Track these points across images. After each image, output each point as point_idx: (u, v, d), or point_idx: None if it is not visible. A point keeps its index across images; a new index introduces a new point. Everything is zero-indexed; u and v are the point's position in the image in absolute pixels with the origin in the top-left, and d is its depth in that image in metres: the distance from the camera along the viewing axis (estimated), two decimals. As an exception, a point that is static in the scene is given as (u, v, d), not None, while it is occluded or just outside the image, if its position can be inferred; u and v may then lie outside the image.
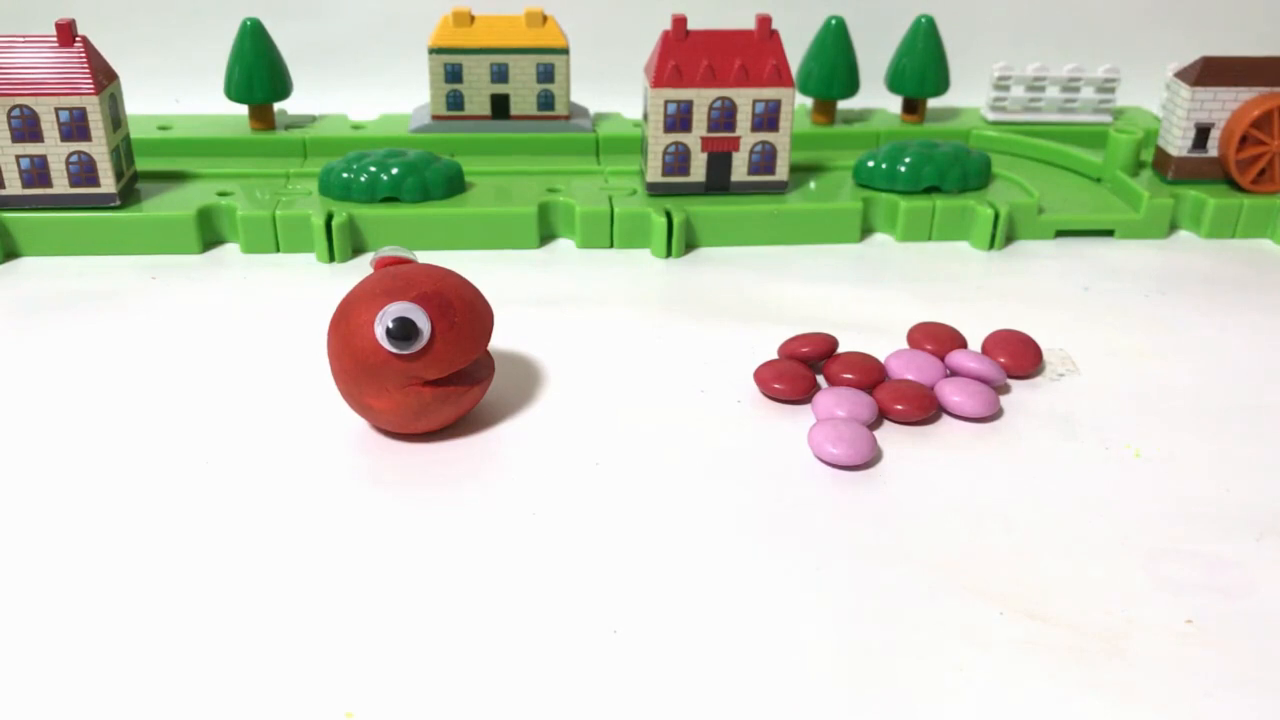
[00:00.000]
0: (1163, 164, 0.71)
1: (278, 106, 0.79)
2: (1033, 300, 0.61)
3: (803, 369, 0.51)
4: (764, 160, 0.68)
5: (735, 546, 0.41)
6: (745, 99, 0.66)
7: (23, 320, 0.57)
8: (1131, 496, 0.44)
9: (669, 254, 0.66)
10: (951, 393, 0.49)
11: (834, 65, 0.78)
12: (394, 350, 0.44)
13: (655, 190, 0.68)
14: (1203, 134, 0.69)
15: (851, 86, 0.79)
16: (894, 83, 0.80)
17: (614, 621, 0.37)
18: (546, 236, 0.68)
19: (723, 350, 0.55)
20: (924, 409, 0.48)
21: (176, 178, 0.70)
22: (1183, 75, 0.70)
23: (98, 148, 0.64)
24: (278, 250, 0.65)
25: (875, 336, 0.55)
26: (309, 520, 0.42)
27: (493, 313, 0.48)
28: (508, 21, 0.75)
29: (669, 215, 0.65)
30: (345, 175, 0.67)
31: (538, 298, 0.60)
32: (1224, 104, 0.69)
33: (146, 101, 0.81)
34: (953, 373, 0.52)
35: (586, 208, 0.66)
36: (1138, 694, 0.35)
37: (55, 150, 0.63)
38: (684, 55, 0.65)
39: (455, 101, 0.76)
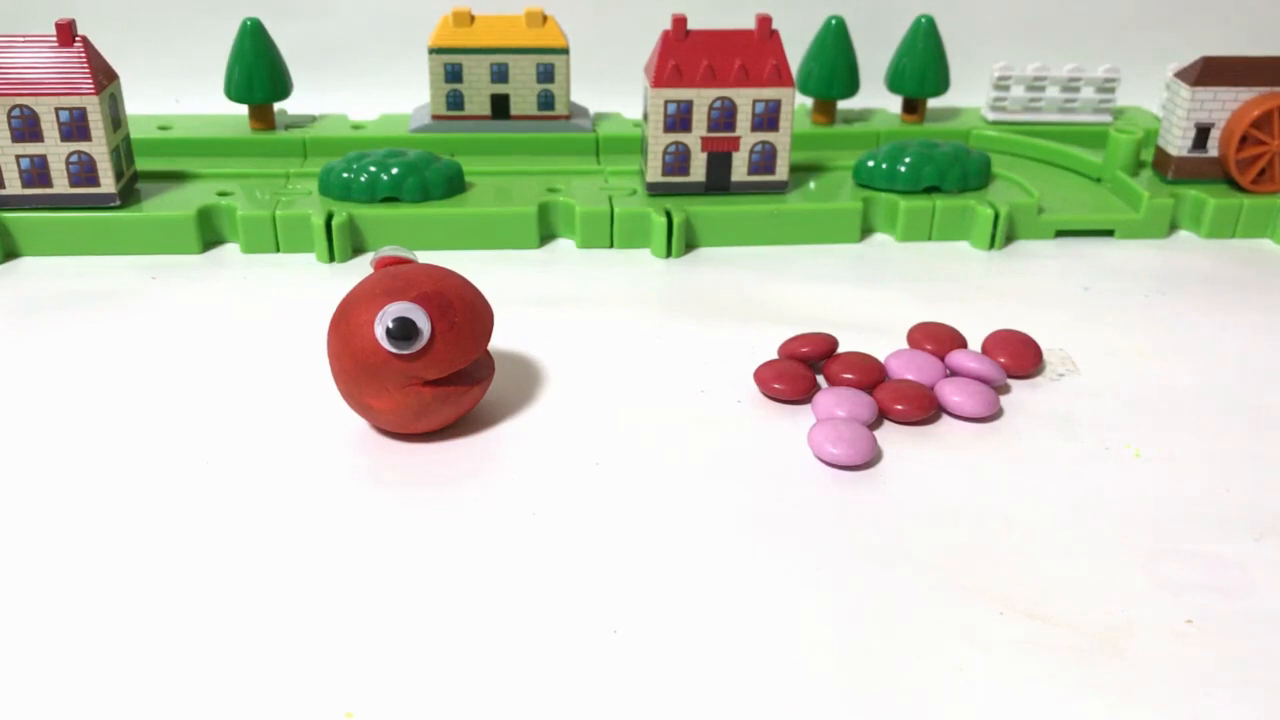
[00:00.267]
0: (1163, 164, 0.71)
1: (278, 106, 0.79)
2: (1033, 300, 0.61)
3: (803, 369, 0.51)
4: (764, 160, 0.68)
5: (735, 546, 0.41)
6: (745, 99, 0.66)
7: (23, 320, 0.57)
8: (1131, 496, 0.44)
9: (669, 254, 0.66)
10: (951, 393, 0.49)
11: (834, 65, 0.78)
12: (394, 350, 0.44)
13: (655, 190, 0.68)
14: (1203, 134, 0.69)
15: (851, 86, 0.79)
16: (894, 83, 0.80)
17: (614, 621, 0.37)
18: (546, 236, 0.68)
19: (723, 350, 0.55)
20: (924, 409, 0.48)
21: (176, 178, 0.70)
22: (1183, 75, 0.70)
23: (98, 148, 0.64)
24: (278, 250, 0.65)
25: (875, 336, 0.55)
26: (309, 520, 0.42)
27: (493, 313, 0.48)
28: (508, 21, 0.75)
29: (669, 215, 0.65)
30: (345, 175, 0.67)
31: (538, 298, 0.60)
32: (1224, 104, 0.69)
33: (146, 101, 0.81)
34: (953, 373, 0.52)
35: (586, 208, 0.66)
36: (1138, 694, 0.35)
37: (55, 150, 0.63)
38: (684, 55, 0.65)
39: (455, 101, 0.76)
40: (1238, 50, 0.71)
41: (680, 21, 0.65)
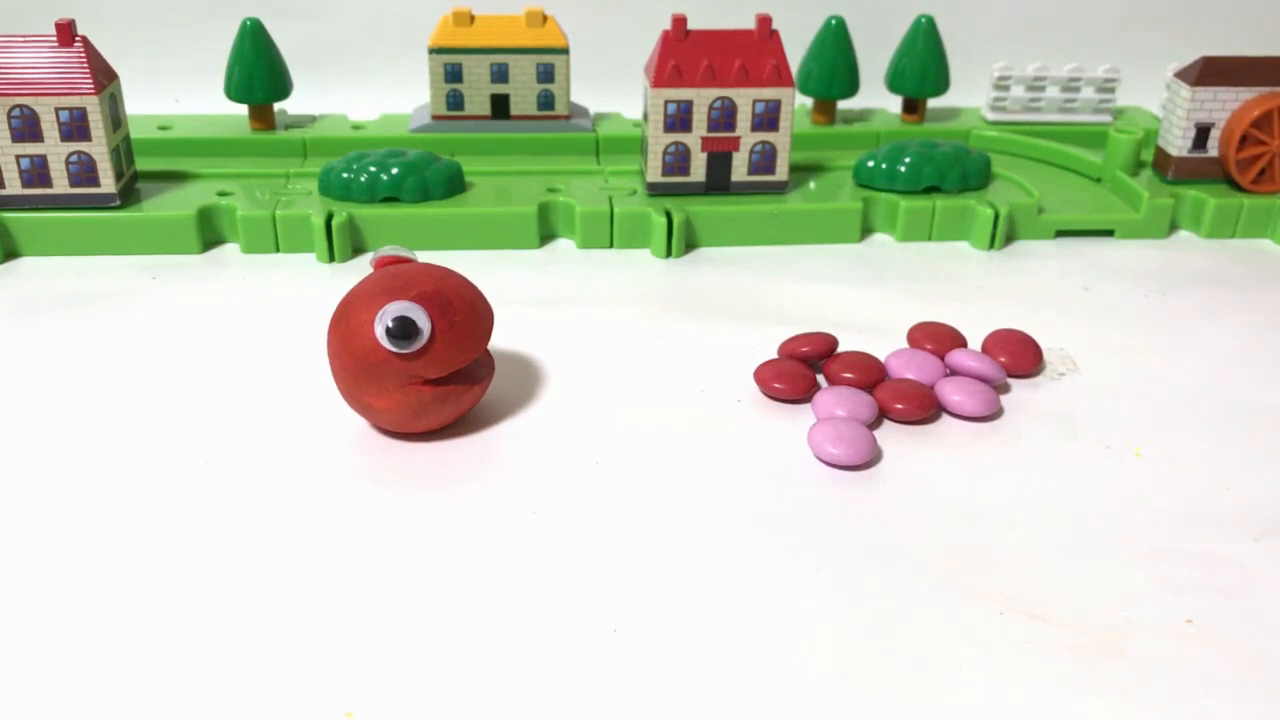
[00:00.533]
0: (1163, 164, 0.71)
1: (278, 106, 0.79)
2: (1033, 300, 0.61)
3: (803, 369, 0.51)
4: (764, 160, 0.68)
5: (735, 546, 0.41)
6: (745, 99, 0.66)
7: (23, 320, 0.57)
8: (1131, 496, 0.44)
9: (669, 254, 0.66)
10: (951, 392, 0.49)
11: (834, 65, 0.78)
12: (394, 349, 0.44)
13: (655, 190, 0.68)
14: (1203, 134, 0.69)
15: (851, 86, 0.79)
16: (894, 83, 0.80)
17: (614, 621, 0.37)
18: (546, 236, 0.68)
19: (723, 350, 0.55)
20: (924, 408, 0.48)
21: (176, 178, 0.70)
22: (1183, 75, 0.70)
23: (98, 148, 0.64)
24: (278, 250, 0.65)
25: (875, 336, 0.55)
26: (309, 520, 0.42)
27: (493, 312, 0.48)
28: (508, 21, 0.75)
29: (669, 215, 0.65)
30: (345, 175, 0.67)
31: (538, 298, 0.60)
32: (1224, 104, 0.69)
33: (146, 101, 0.81)
34: (953, 372, 0.52)
35: (586, 208, 0.66)
36: (1138, 694, 0.35)
37: (55, 150, 0.63)
38: (684, 55, 0.65)
39: (455, 101, 0.76)
40: (1238, 50, 0.71)
41: (680, 21, 0.65)
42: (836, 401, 0.48)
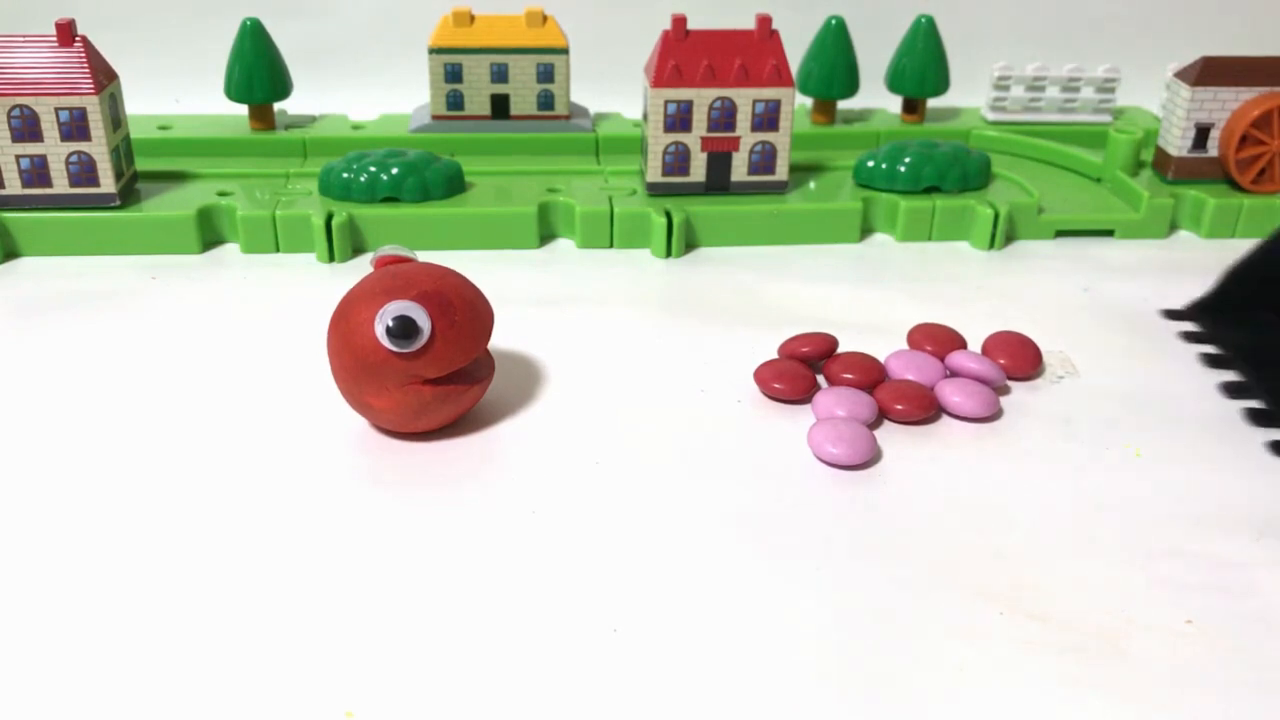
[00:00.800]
0: (1163, 164, 0.71)
1: (278, 106, 0.79)
2: (1033, 300, 0.61)
3: (803, 369, 0.51)
4: (764, 160, 0.68)
5: (735, 546, 0.41)
6: (745, 99, 0.66)
7: (23, 320, 0.57)
8: (1131, 496, 0.44)
9: (669, 254, 0.66)
10: (951, 393, 0.49)
11: (834, 65, 0.78)
12: (394, 349, 0.44)
13: (655, 190, 0.68)
14: (1203, 134, 0.69)
15: (851, 86, 0.79)
16: (894, 83, 0.80)
17: (614, 621, 0.37)
18: (546, 236, 0.68)
19: (723, 350, 0.55)
20: (924, 409, 0.48)
21: (176, 178, 0.70)
22: (1183, 75, 0.70)
23: (98, 148, 0.64)
24: (278, 250, 0.65)
25: (875, 336, 0.55)
26: (309, 520, 0.42)
27: (493, 312, 0.48)
28: (508, 21, 0.75)
29: (669, 215, 0.65)
30: (345, 175, 0.67)
31: (538, 298, 0.60)
32: (1224, 104, 0.69)
33: (146, 101, 0.81)
34: (952, 374, 0.52)
35: (586, 208, 0.66)
36: (1138, 694, 0.35)
37: (55, 150, 0.63)
38: (684, 55, 0.65)
39: (455, 101, 0.76)
40: (1238, 50, 0.71)
41: (680, 21, 0.65)
42: (837, 402, 0.48)
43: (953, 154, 0.70)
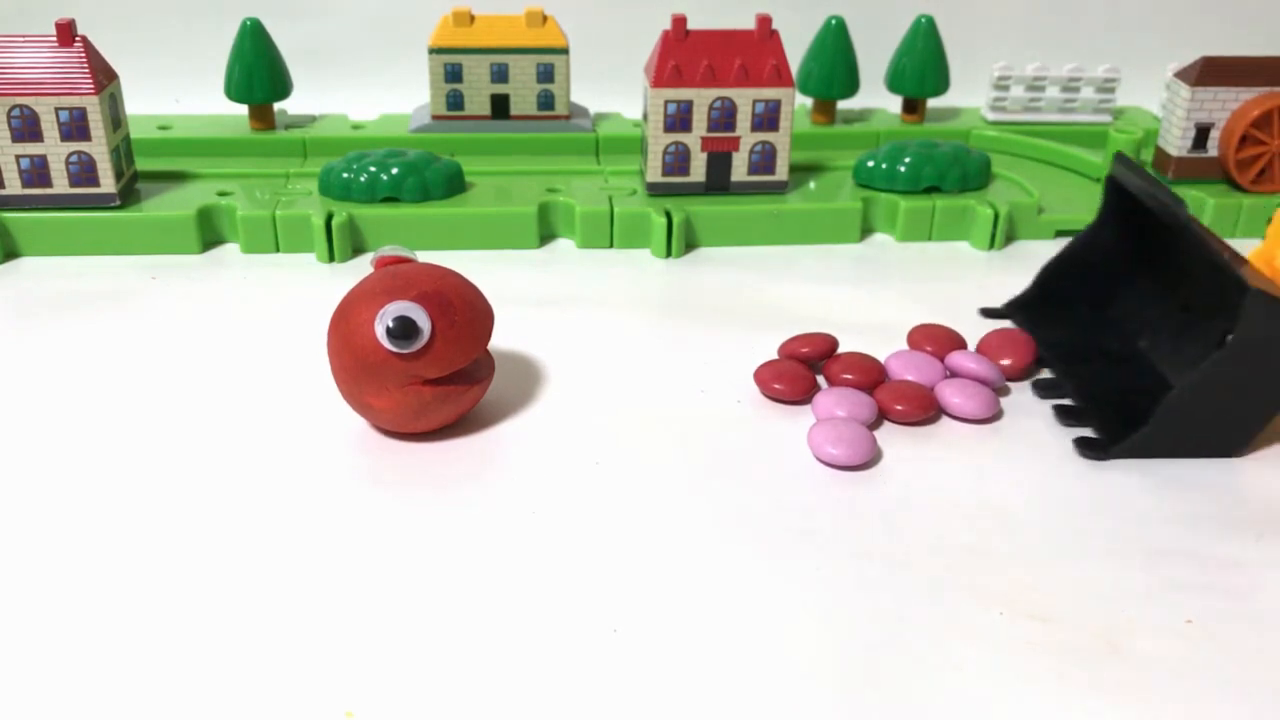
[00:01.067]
0: (1163, 164, 0.71)
1: (278, 106, 0.79)
2: (1033, 300, 0.61)
3: (803, 369, 0.51)
4: (764, 160, 0.68)
5: (735, 546, 0.41)
6: (745, 99, 0.66)
7: (23, 320, 0.57)
8: (1132, 496, 0.44)
9: (669, 254, 0.66)
10: (951, 394, 0.49)
11: (834, 65, 0.78)
12: (394, 349, 0.44)
13: (655, 190, 0.68)
14: (1203, 134, 0.69)
15: (851, 86, 0.79)
16: (894, 83, 0.80)
17: (614, 621, 0.37)
18: (546, 236, 0.68)
19: (723, 350, 0.55)
20: (924, 409, 0.48)
21: (176, 178, 0.70)
22: (1183, 75, 0.70)
23: (98, 148, 0.64)
24: (278, 250, 0.65)
25: (875, 337, 0.55)
26: (309, 520, 0.42)
27: (493, 312, 0.48)
28: (508, 21, 0.75)
29: (669, 215, 0.65)
30: (345, 175, 0.67)
31: (538, 298, 0.60)
32: (1224, 104, 0.69)
33: (146, 101, 0.81)
34: (952, 374, 0.52)
35: (586, 208, 0.66)
36: (1138, 694, 0.35)
37: (55, 150, 0.63)
38: (684, 55, 0.65)
39: (455, 101, 0.76)
40: (1238, 50, 0.71)
41: (680, 21, 0.65)
42: (836, 402, 0.48)
43: (953, 154, 0.70)
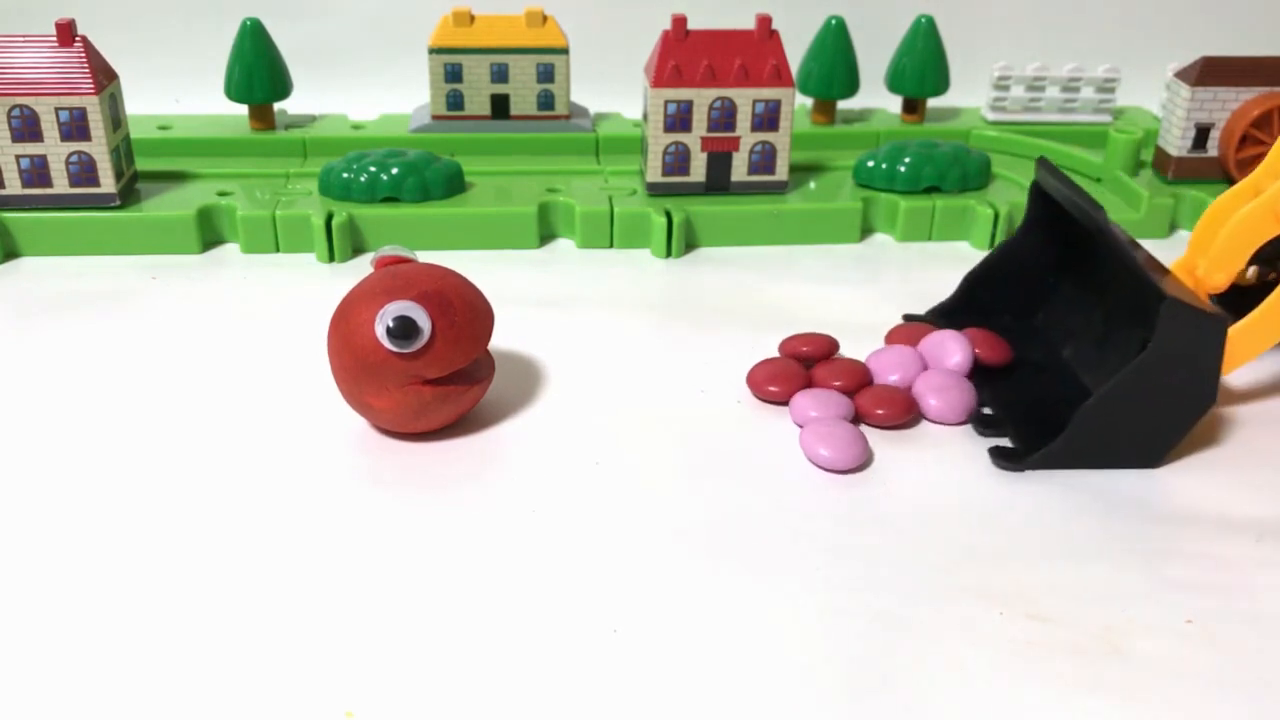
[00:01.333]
0: (1163, 164, 0.71)
1: (278, 106, 0.79)
2: (1033, 300, 0.61)
3: (796, 369, 0.50)
4: (764, 160, 0.68)
5: (735, 546, 0.41)
6: (745, 99, 0.66)
7: (23, 320, 0.57)
8: (1131, 497, 0.44)
9: (669, 254, 0.66)
10: (928, 393, 0.49)
11: (834, 65, 0.78)
12: (394, 349, 0.44)
13: (655, 190, 0.68)
14: (1203, 134, 0.69)
15: (851, 86, 0.79)
16: (894, 83, 0.80)
17: (614, 621, 0.37)
18: (546, 236, 0.68)
19: (722, 350, 0.55)
20: (904, 413, 0.48)
21: (176, 178, 0.70)
22: (1183, 75, 0.70)
23: (98, 148, 0.64)
24: (278, 250, 0.65)
25: (875, 337, 0.55)
26: (309, 520, 0.42)
27: (493, 312, 0.48)
28: (508, 21, 0.75)
29: (669, 215, 0.65)
30: (345, 175, 0.67)
31: (538, 298, 0.60)
32: (1224, 104, 0.69)
33: (146, 101, 0.81)
34: (928, 367, 0.51)
35: (586, 208, 0.66)
36: (1138, 694, 0.35)
37: (55, 150, 0.63)
38: (684, 55, 0.65)
39: (455, 101, 0.76)
40: (1238, 50, 0.71)
41: (680, 21, 0.65)
42: (813, 405, 0.48)
43: (953, 154, 0.70)
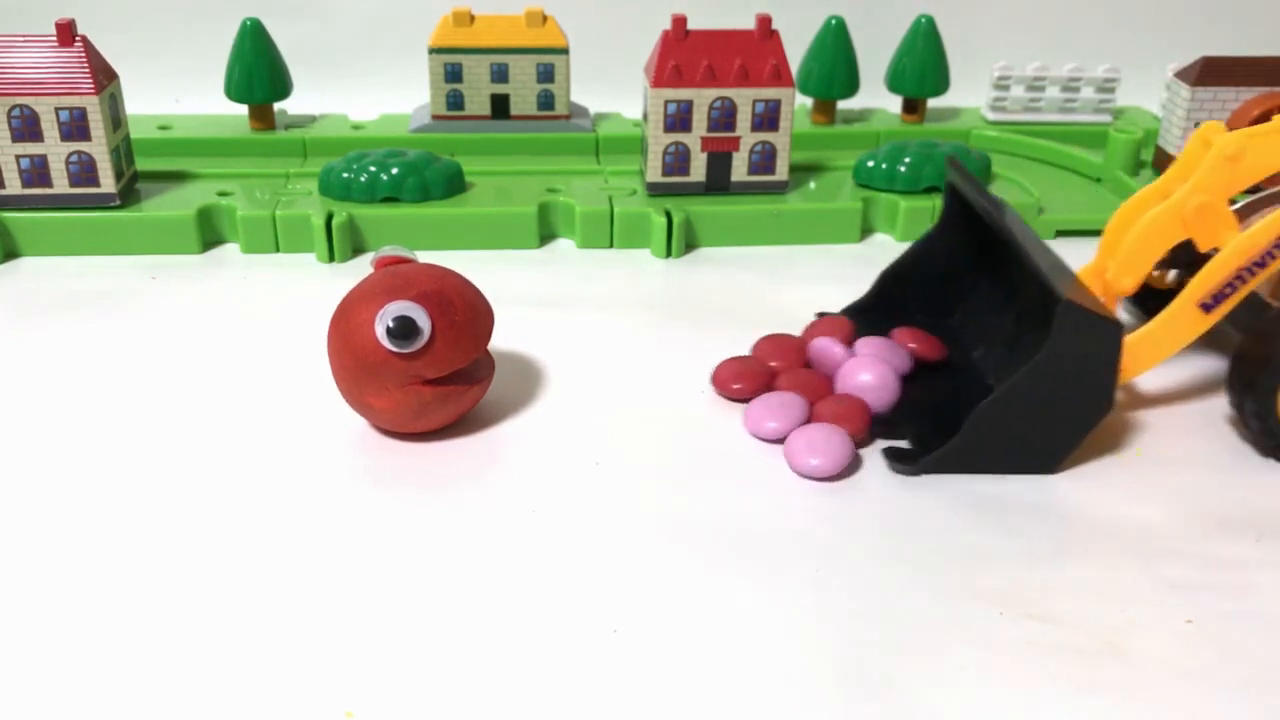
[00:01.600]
0: (1162, 164, 0.71)
1: (278, 106, 0.79)
2: (1033, 300, 0.61)
3: (763, 369, 0.50)
4: (764, 160, 0.68)
5: (735, 546, 0.41)
6: (745, 99, 0.66)
7: (23, 320, 0.57)
8: (1132, 497, 0.44)
9: (669, 254, 0.66)
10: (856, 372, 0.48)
11: (834, 65, 0.78)
12: (394, 349, 0.44)
13: (655, 190, 0.68)
14: (1203, 134, 0.69)
15: (851, 86, 0.79)
16: (894, 83, 0.80)
17: (614, 621, 0.37)
18: (546, 236, 0.68)
19: (722, 351, 0.54)
20: (862, 427, 0.47)
21: (176, 178, 0.70)
22: (1183, 75, 0.70)
23: (98, 148, 0.64)
24: (278, 250, 0.65)
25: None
26: (309, 520, 0.42)
27: (493, 312, 0.48)
28: (508, 21, 0.75)
29: (669, 215, 0.65)
30: (345, 175, 0.67)
31: (538, 298, 0.60)
32: (1224, 104, 0.69)
33: (146, 101, 0.81)
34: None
35: (586, 208, 0.66)
36: (1138, 694, 0.35)
37: (55, 150, 0.63)
38: (684, 55, 0.65)
39: (455, 101, 0.76)
40: (1238, 50, 0.71)
41: (680, 21, 0.65)
42: (768, 414, 0.47)
43: (953, 154, 0.70)
